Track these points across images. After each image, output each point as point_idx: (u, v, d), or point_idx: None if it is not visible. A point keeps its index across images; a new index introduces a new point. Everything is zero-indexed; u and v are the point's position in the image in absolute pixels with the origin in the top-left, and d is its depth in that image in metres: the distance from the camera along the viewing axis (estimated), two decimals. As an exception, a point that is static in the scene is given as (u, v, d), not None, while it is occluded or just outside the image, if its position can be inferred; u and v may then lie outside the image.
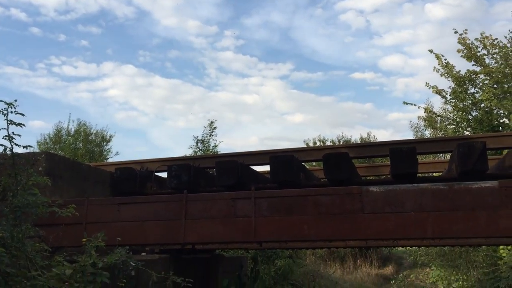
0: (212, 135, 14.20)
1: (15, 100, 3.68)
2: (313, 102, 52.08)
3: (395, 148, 5.70)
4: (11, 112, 3.68)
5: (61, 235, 4.88)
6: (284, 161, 6.07)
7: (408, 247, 17.52)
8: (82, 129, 19.62)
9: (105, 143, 20.41)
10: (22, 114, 3.71)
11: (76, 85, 45.60)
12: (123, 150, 35.19)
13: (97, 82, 47.37)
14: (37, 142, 19.47)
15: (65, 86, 44.41)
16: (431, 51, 14.13)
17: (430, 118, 14.81)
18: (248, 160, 7.06)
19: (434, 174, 8.82)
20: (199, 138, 14.07)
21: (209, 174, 7.69)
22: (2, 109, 3.67)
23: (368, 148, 7.02)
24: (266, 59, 55.36)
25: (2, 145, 3.82)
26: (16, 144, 3.87)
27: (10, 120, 3.69)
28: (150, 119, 46.98)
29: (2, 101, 3.66)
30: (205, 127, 14.32)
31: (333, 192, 4.99)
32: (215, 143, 14.14)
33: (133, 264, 4.16)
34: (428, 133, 18.37)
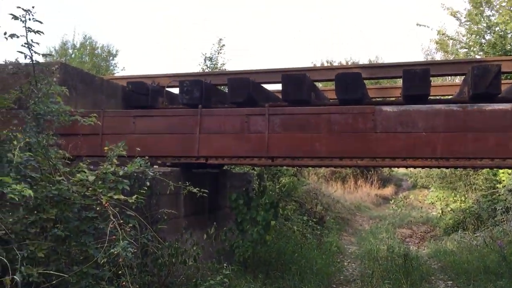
0: (221, 53, 13.97)
1: (33, 7, 3.63)
2: (320, 22, 50.59)
3: (409, 70, 5.67)
4: (29, 19, 3.64)
5: (79, 144, 5.01)
6: (296, 79, 6.08)
7: (409, 169, 17.93)
8: (88, 43, 19.34)
9: (111, 57, 20.21)
10: (40, 22, 3.67)
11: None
12: (128, 66, 34.84)
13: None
14: (43, 53, 19.16)
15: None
16: (448, -30, 13.53)
17: (443, 41, 14.50)
18: (260, 78, 7.05)
19: (442, 97, 8.82)
20: (207, 55, 13.87)
21: (220, 91, 7.72)
22: (20, 15, 3.62)
23: (381, 69, 6.97)
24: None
25: (21, 52, 3.81)
26: (35, 52, 3.86)
27: (29, 28, 3.66)
28: (154, 35, 45.96)
29: (19, 7, 3.61)
30: (213, 44, 14.06)
31: (346, 111, 5.05)
32: (223, 61, 13.96)
33: (152, 174, 4.30)
34: (439, 57, 18.07)
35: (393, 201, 17.02)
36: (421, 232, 13.58)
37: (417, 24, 14.53)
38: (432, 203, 15.73)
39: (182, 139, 5.42)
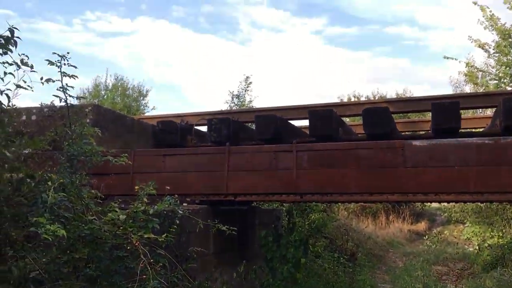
0: (248, 90, 14.19)
1: (68, 53, 3.81)
2: (346, 58, 50.84)
3: (438, 103, 5.62)
4: (64, 64, 3.81)
5: (111, 183, 5.10)
6: (323, 115, 6.09)
7: (443, 204, 17.46)
8: (119, 84, 19.98)
9: (142, 97, 20.78)
10: (75, 67, 3.84)
11: (111, 40, 45.93)
12: (158, 105, 35.72)
13: (131, 37, 47.55)
14: (76, 96, 19.81)
15: (101, 41, 44.81)
16: (475, 3, 13.53)
17: (471, 73, 14.34)
18: (287, 114, 7.10)
19: (473, 130, 8.66)
20: (235, 93, 14.11)
21: (248, 128, 7.79)
22: (56, 61, 3.80)
23: (410, 103, 6.93)
24: (300, 13, 53.87)
25: (57, 96, 3.97)
26: (69, 95, 4.02)
27: (64, 72, 3.82)
28: (182, 75, 47.09)
29: (55, 53, 3.79)
30: (240, 82, 14.29)
31: (375, 146, 5.01)
32: (250, 98, 14.16)
33: (181, 212, 4.33)
34: (468, 89, 17.84)
35: (427, 236, 16.51)
36: (458, 269, 13.07)
37: (445, 57, 14.45)
38: (468, 239, 15.19)
39: (210, 177, 5.47)
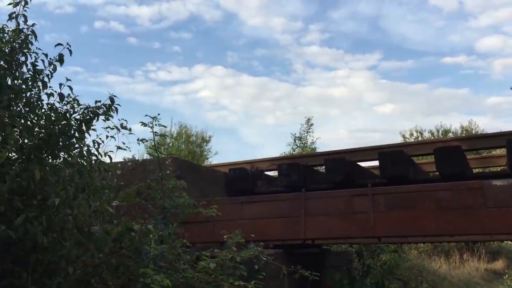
0: (309, 132, 14.37)
1: (158, 114, 4.16)
2: (404, 91, 49.96)
3: (514, 139, 5.54)
4: (156, 125, 4.17)
5: (193, 232, 5.36)
6: (393, 156, 6.14)
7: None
8: (183, 131, 20.70)
9: (205, 143, 21.37)
10: (165, 126, 4.20)
11: (170, 88, 48.09)
12: (218, 148, 36.46)
13: (189, 84, 49.52)
14: (145, 145, 20.74)
15: (161, 90, 46.94)
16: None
17: (542, 103, 13.79)
18: (356, 156, 7.19)
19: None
20: (297, 135, 14.32)
21: (317, 171, 7.93)
22: (148, 122, 4.17)
23: (482, 140, 6.81)
24: (353, 50, 53.92)
25: (150, 154, 4.34)
26: (160, 153, 4.36)
27: (155, 132, 4.17)
28: (239, 118, 48.07)
29: (147, 115, 4.16)
30: (302, 124, 14.50)
31: (453, 187, 4.99)
32: (312, 140, 14.31)
33: (265, 258, 4.48)
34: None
35: (507, 276, 15.53)
36: (544, 311, 12.17)
37: (511, 88, 14.03)
38: (553, 277, 14.17)
39: (287, 223, 5.62)
